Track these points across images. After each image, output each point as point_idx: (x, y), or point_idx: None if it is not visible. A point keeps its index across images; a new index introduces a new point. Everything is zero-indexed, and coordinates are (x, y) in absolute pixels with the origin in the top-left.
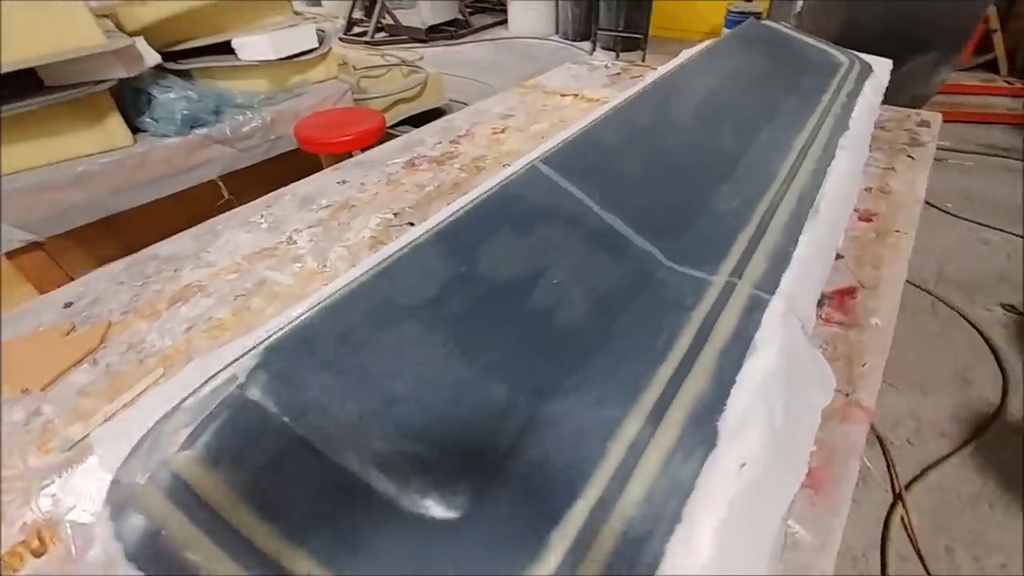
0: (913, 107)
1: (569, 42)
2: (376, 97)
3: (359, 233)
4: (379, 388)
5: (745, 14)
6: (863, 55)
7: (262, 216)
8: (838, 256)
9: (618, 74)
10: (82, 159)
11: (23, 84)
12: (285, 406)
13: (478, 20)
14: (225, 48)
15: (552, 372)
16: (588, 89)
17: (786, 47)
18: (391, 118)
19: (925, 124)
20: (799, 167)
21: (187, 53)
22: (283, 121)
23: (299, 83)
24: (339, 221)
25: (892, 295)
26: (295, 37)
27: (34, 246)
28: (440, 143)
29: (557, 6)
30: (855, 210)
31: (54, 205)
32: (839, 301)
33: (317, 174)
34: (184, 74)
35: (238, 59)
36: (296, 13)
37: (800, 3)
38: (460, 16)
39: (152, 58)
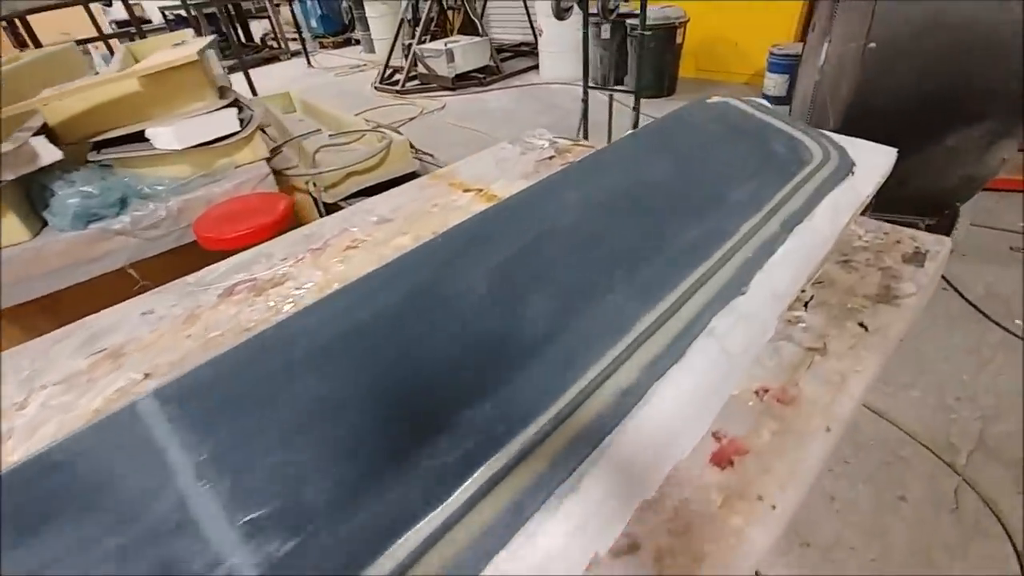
0: (963, 193)
1: (599, 88)
2: (325, 171)
3: (91, 402)
4: None
5: (788, 56)
6: (859, 142)
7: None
8: None
9: (551, 157)
10: None
11: None
12: None
13: (511, 65)
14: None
15: None
16: (502, 181)
17: (738, 134)
18: (347, 189)
19: (919, 258)
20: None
21: (115, 141)
22: (192, 209)
23: (224, 167)
24: (90, 377)
25: None
26: (209, 124)
27: None
28: (285, 259)
29: (586, 51)
30: (717, 439)
31: None
32: None
33: (123, 303)
34: (107, 164)
35: (154, 148)
36: (226, 96)
37: (824, 54)
38: (491, 63)
39: (50, 156)
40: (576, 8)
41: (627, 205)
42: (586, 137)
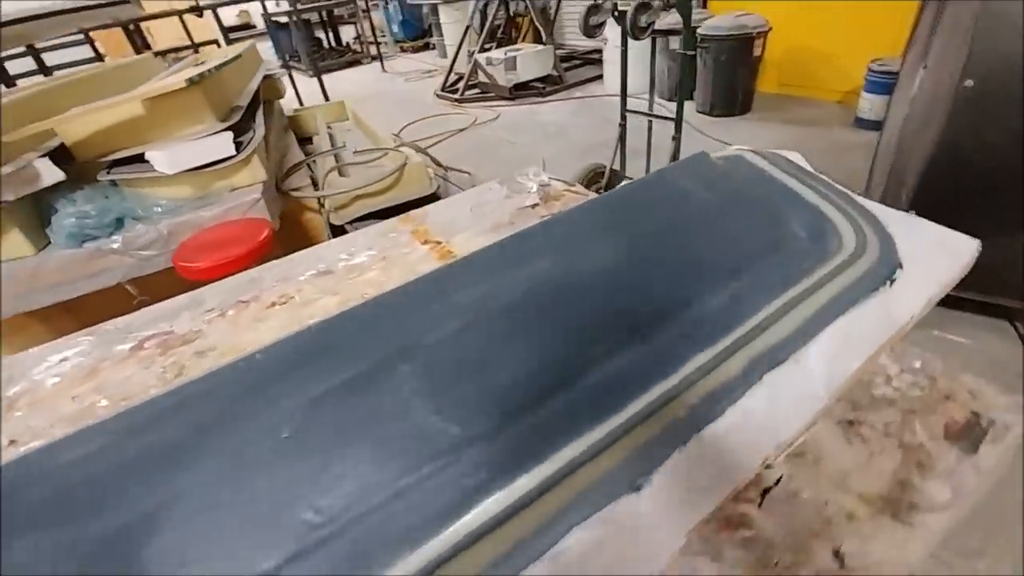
0: None
1: (664, 101)
2: (329, 194)
3: None
4: None
5: (891, 74)
6: (923, 226)
7: None
8: None
9: (535, 205)
10: None
11: None
12: None
13: (578, 74)
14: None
15: None
16: (467, 233)
17: (744, 205)
18: (354, 212)
19: (974, 435)
20: None
21: (125, 161)
22: (182, 232)
23: (219, 190)
24: None
25: None
26: (201, 148)
27: None
28: (211, 310)
29: (624, 68)
30: None
31: None
32: None
33: (48, 344)
34: (115, 184)
35: (152, 170)
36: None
37: (917, 81)
38: (554, 72)
39: (52, 177)
40: (614, 23)
41: (555, 303)
42: (622, 167)
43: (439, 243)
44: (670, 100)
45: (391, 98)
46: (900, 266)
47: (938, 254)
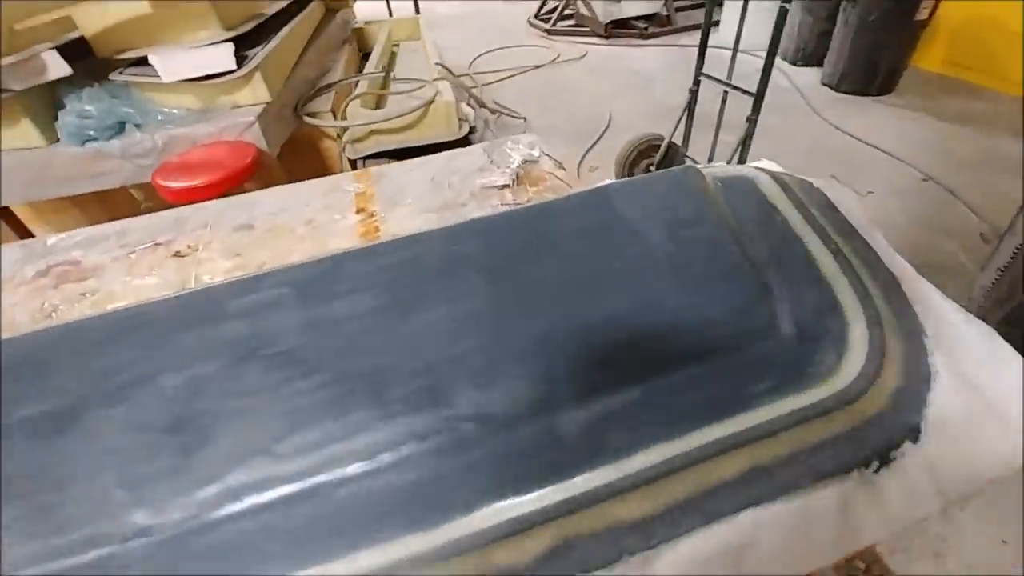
0: None
1: (788, 64)
2: (334, 125)
3: None
4: None
5: None
6: (990, 341)
7: None
8: None
9: (504, 187)
10: (9, 151)
11: None
12: None
13: (688, 17)
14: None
15: None
16: (408, 209)
17: (718, 262)
18: (366, 148)
19: None
20: None
21: (139, 62)
22: (178, 144)
23: (223, 105)
24: None
25: None
26: (198, 58)
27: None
28: (124, 247)
29: (783, 16)
30: None
31: None
32: None
33: None
34: (124, 85)
35: (155, 74)
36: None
37: None
38: (663, 11)
39: (59, 70)
40: None
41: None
42: (685, 143)
43: (373, 215)
44: (801, 65)
45: (482, 20)
46: (916, 435)
47: (988, 418)
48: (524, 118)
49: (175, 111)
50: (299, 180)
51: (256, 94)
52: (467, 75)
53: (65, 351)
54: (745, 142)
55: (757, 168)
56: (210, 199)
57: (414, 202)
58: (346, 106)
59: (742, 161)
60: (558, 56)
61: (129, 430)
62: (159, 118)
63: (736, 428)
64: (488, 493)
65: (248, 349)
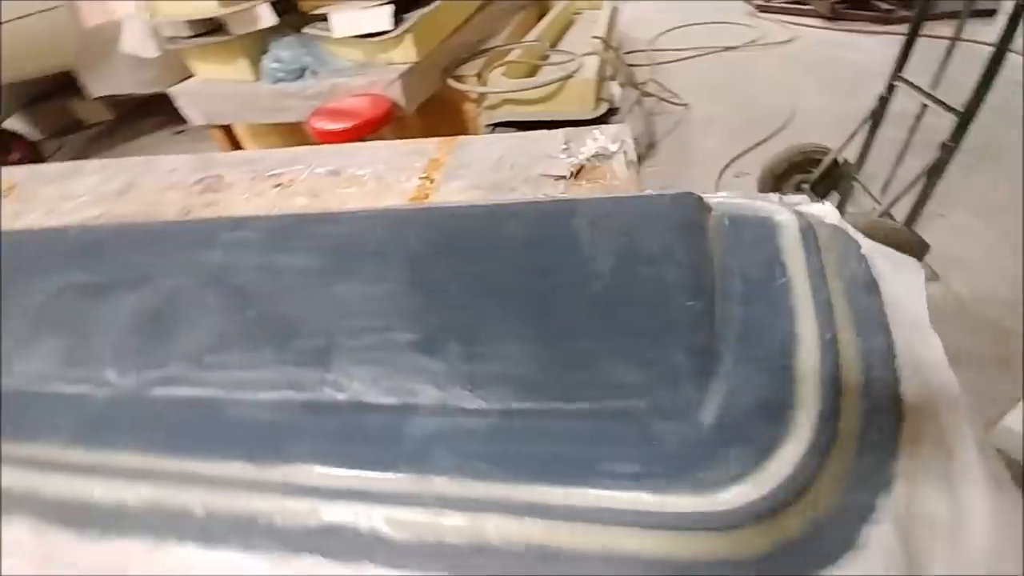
0: None
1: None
2: (465, 89)
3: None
4: None
5: None
6: None
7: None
8: None
9: (560, 178)
10: (228, 82)
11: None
12: None
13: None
14: None
15: None
16: (463, 183)
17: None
18: (497, 116)
19: None
20: None
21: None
22: (338, 93)
23: (380, 62)
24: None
25: None
26: (364, 17)
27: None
28: (255, 176)
29: None
30: None
31: (215, 106)
32: None
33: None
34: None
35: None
36: None
37: None
38: None
39: (267, 20)
40: None
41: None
42: (860, 162)
43: (432, 182)
44: None
45: None
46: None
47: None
48: (686, 104)
49: (344, 63)
50: (438, 129)
51: (405, 53)
52: (642, 51)
53: (110, 243)
54: (932, 175)
55: (797, 212)
56: (346, 143)
57: (472, 178)
58: (488, 71)
59: (921, 202)
60: (759, 38)
61: (127, 311)
62: (330, 67)
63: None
64: (312, 456)
65: (215, 275)
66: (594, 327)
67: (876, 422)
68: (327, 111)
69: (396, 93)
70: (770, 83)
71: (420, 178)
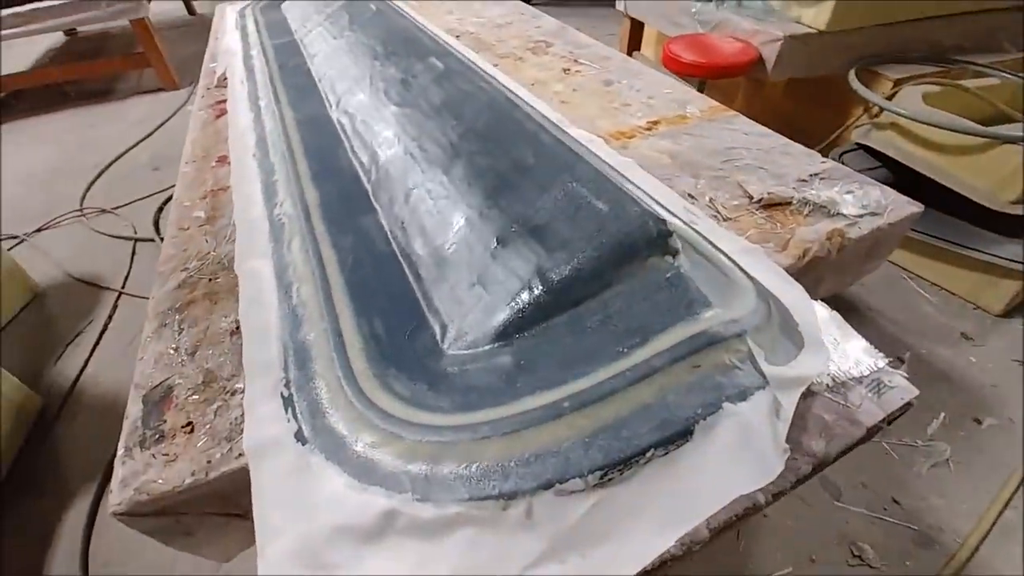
0: None
1: None
2: (881, 105)
3: None
4: None
5: None
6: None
7: None
8: None
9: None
10: None
11: None
12: None
13: None
14: None
15: None
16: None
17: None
18: (872, 140)
19: None
20: None
21: None
22: (725, 28)
23: (792, 17)
24: None
25: None
26: None
27: None
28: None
29: None
30: None
31: None
32: None
33: None
34: None
35: None
36: None
37: None
38: None
39: None
40: None
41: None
42: None
43: (650, 130)
44: None
45: None
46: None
47: None
48: None
49: (757, 3)
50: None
51: (815, 19)
52: None
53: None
54: None
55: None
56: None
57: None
58: (902, 87)
59: None
60: None
61: (373, 80)
62: (741, 4)
63: None
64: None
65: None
66: None
67: None
68: (688, 40)
69: (769, 54)
70: None
71: (649, 122)
